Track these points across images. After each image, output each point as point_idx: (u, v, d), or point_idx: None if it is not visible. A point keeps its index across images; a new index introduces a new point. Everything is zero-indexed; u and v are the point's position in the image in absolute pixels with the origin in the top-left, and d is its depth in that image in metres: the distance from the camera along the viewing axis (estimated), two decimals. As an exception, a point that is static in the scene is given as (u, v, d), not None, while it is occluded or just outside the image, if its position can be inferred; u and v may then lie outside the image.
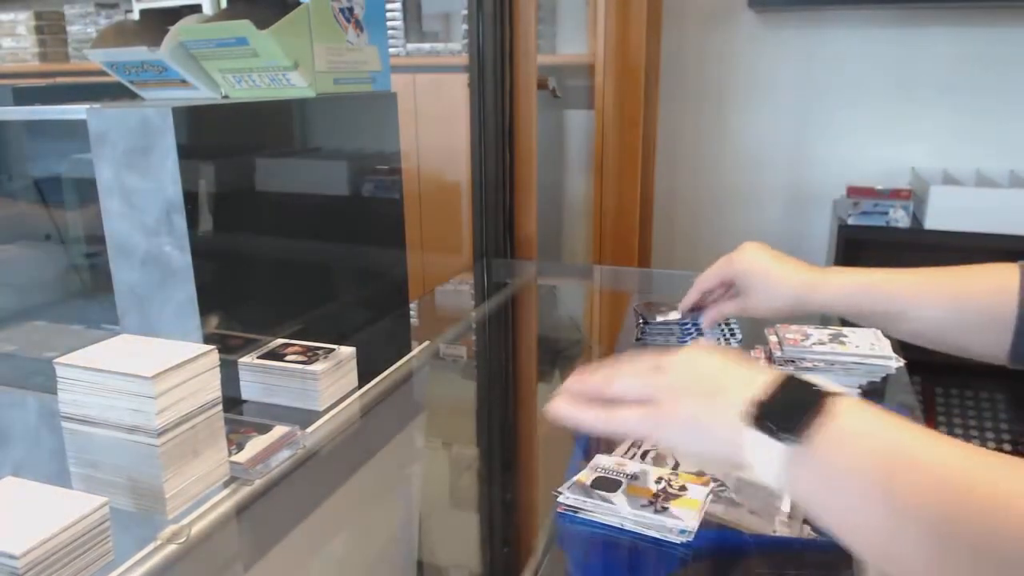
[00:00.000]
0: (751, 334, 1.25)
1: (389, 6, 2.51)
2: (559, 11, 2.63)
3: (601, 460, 0.86)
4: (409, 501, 0.98)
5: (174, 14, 1.10)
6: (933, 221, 2.08)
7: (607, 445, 1.01)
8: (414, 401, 1.19)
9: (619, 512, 0.76)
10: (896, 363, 1.04)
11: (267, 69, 1.07)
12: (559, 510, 0.78)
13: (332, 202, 1.20)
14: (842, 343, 1.08)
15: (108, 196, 0.93)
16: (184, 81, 1.11)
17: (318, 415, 0.96)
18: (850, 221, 2.17)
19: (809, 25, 2.41)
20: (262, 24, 1.02)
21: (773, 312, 0.90)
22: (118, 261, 0.95)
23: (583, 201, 2.71)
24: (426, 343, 1.30)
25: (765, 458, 0.48)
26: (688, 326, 1.29)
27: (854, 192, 2.17)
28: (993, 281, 0.74)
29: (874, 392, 1.03)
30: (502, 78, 1.66)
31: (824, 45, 2.41)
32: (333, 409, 0.98)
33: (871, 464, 0.45)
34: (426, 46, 2.55)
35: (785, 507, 0.81)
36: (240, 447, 0.81)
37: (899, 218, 2.13)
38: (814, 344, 1.09)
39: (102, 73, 1.16)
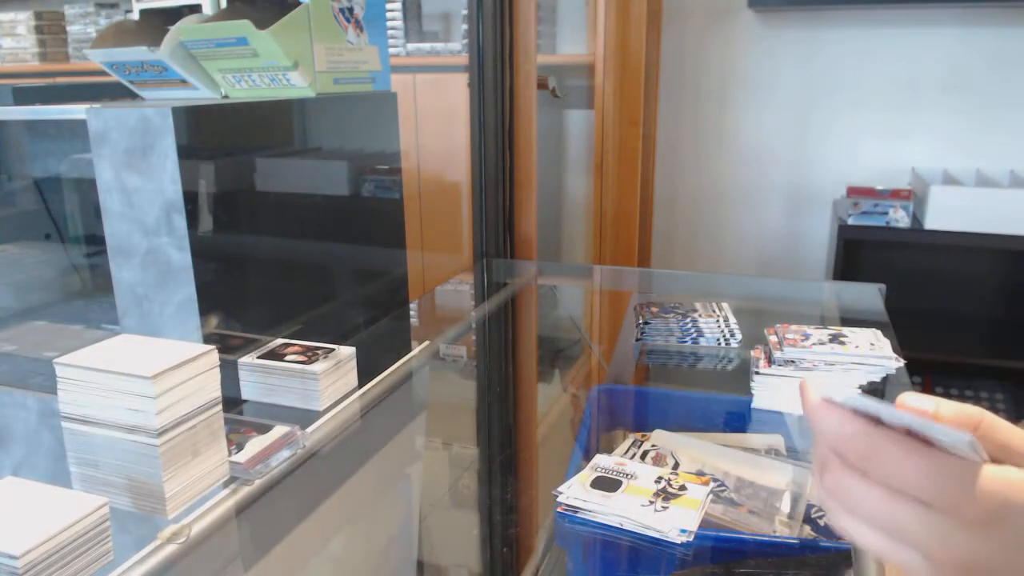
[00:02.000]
0: (751, 334, 1.25)
1: (389, 6, 2.51)
2: (559, 11, 2.63)
3: (601, 460, 0.86)
4: (409, 501, 0.98)
5: (174, 14, 1.10)
6: (933, 221, 2.08)
7: (607, 445, 1.01)
8: (414, 401, 1.19)
9: (619, 512, 0.76)
10: (896, 363, 1.04)
11: (267, 69, 1.07)
12: (559, 510, 0.78)
13: (332, 202, 1.20)
14: (842, 343, 1.09)
15: (108, 196, 0.94)
16: (184, 81, 1.11)
17: (318, 415, 0.96)
18: (850, 221, 2.17)
19: (809, 25, 2.41)
20: (262, 24, 1.02)
21: None
22: (118, 261, 0.95)
23: (583, 201, 2.71)
24: (426, 343, 1.30)
25: None
26: (688, 326, 1.29)
27: (854, 192, 2.17)
28: None
29: (874, 392, 1.03)
30: (502, 78, 1.66)
31: (824, 45, 2.41)
32: (333, 409, 0.98)
33: None
34: (426, 46, 2.55)
35: (785, 507, 0.81)
36: (240, 447, 0.81)
37: (899, 218, 2.13)
38: (814, 344, 1.09)
39: (102, 73, 1.16)
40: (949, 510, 0.35)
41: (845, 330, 1.13)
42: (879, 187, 2.16)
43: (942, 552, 0.35)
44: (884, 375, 1.04)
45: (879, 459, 0.36)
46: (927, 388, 2.26)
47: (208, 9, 1.11)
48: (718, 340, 1.28)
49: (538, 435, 1.14)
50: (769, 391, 1.05)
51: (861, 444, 0.36)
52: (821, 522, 0.80)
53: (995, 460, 0.38)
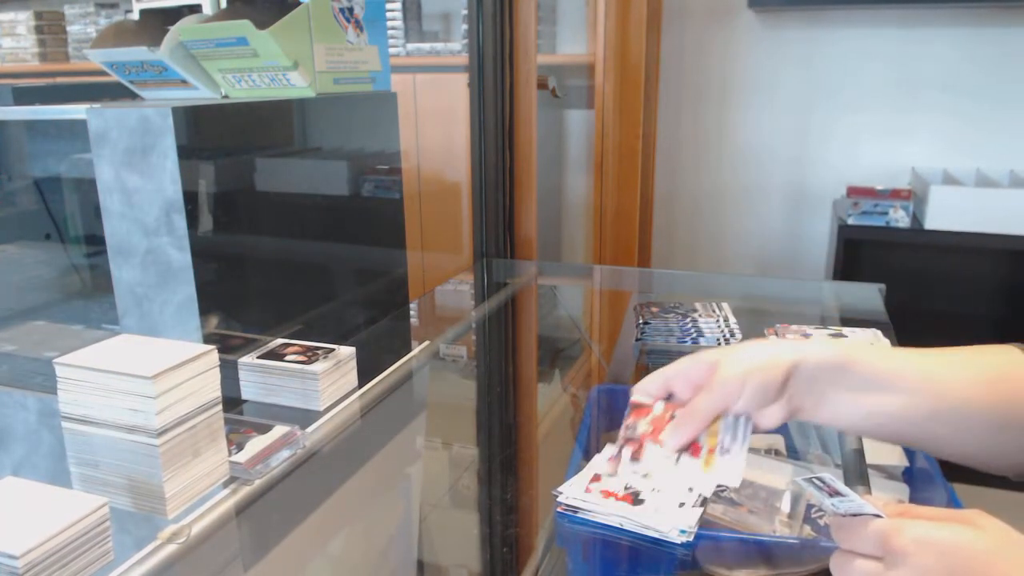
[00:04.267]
0: (751, 334, 1.25)
1: (389, 6, 2.51)
2: (559, 11, 2.63)
3: (601, 460, 0.85)
4: (409, 501, 0.98)
5: (174, 14, 1.10)
6: (933, 221, 2.08)
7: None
8: (414, 401, 1.19)
9: (619, 512, 0.76)
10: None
11: (267, 69, 1.07)
12: (559, 510, 0.78)
13: (332, 202, 1.20)
14: (842, 343, 1.08)
15: (108, 196, 0.94)
16: (184, 81, 1.11)
17: (318, 415, 0.96)
18: (850, 221, 2.17)
19: (809, 25, 2.41)
20: (262, 24, 1.02)
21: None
22: (118, 261, 0.95)
23: (583, 201, 2.71)
24: (426, 343, 1.30)
25: None
26: (688, 326, 1.29)
27: (854, 192, 2.17)
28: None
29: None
30: (502, 78, 1.66)
31: (824, 45, 2.41)
32: (333, 409, 0.98)
33: None
34: (426, 46, 2.55)
35: (785, 507, 0.81)
36: (240, 447, 0.81)
37: (899, 218, 2.13)
38: (814, 344, 1.09)
39: (102, 73, 1.16)
40: (886, 558, 0.48)
41: (845, 330, 1.13)
42: (879, 187, 2.16)
43: None
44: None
45: (842, 538, 0.52)
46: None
47: (208, 9, 1.11)
48: (718, 340, 1.27)
49: (538, 435, 1.14)
50: (769, 391, 1.05)
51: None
52: (821, 522, 0.80)
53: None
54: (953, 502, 0.74)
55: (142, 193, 0.91)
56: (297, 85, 1.09)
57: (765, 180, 2.58)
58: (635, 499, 0.77)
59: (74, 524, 0.58)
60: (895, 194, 2.14)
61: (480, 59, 1.64)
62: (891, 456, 0.86)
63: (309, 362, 0.97)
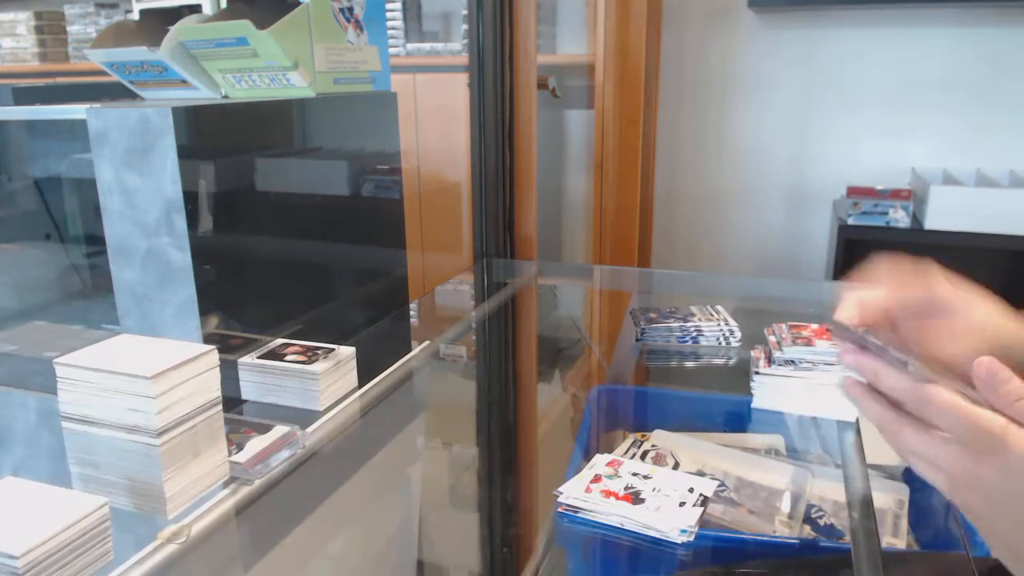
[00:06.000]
0: (751, 334, 1.25)
1: (389, 6, 2.51)
2: (559, 11, 2.63)
3: (601, 460, 0.86)
4: (409, 501, 0.98)
5: (174, 14, 1.10)
6: (933, 221, 2.08)
7: (607, 445, 1.01)
8: (414, 401, 1.19)
9: (619, 512, 0.76)
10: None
11: (267, 69, 1.07)
12: (559, 510, 0.78)
13: (332, 202, 1.20)
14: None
15: (108, 196, 0.94)
16: (184, 81, 1.11)
17: (318, 415, 0.96)
18: (850, 221, 2.17)
19: (809, 25, 2.41)
20: (262, 24, 1.02)
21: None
22: (118, 261, 0.95)
23: (583, 201, 2.71)
24: (426, 343, 1.30)
25: None
26: (688, 327, 1.29)
27: (854, 192, 2.17)
28: None
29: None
30: (502, 78, 1.66)
31: (824, 45, 2.41)
32: (333, 409, 0.98)
33: None
34: (426, 46, 2.55)
35: (785, 507, 0.81)
36: (240, 447, 0.81)
37: (899, 218, 2.13)
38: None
39: (102, 73, 1.16)
40: (967, 444, 0.47)
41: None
42: (879, 187, 2.16)
43: (958, 471, 0.48)
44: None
45: (925, 409, 0.49)
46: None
47: (208, 9, 1.11)
48: (718, 340, 1.27)
49: (538, 435, 1.14)
50: (769, 391, 1.05)
51: (912, 398, 0.49)
52: (821, 522, 0.80)
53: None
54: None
55: (142, 193, 0.91)
56: (297, 85, 1.09)
57: (765, 180, 2.58)
58: (635, 499, 0.77)
59: (74, 524, 0.58)
60: (895, 194, 2.14)
61: (480, 59, 1.64)
62: (891, 456, 0.86)
63: (309, 362, 0.97)
